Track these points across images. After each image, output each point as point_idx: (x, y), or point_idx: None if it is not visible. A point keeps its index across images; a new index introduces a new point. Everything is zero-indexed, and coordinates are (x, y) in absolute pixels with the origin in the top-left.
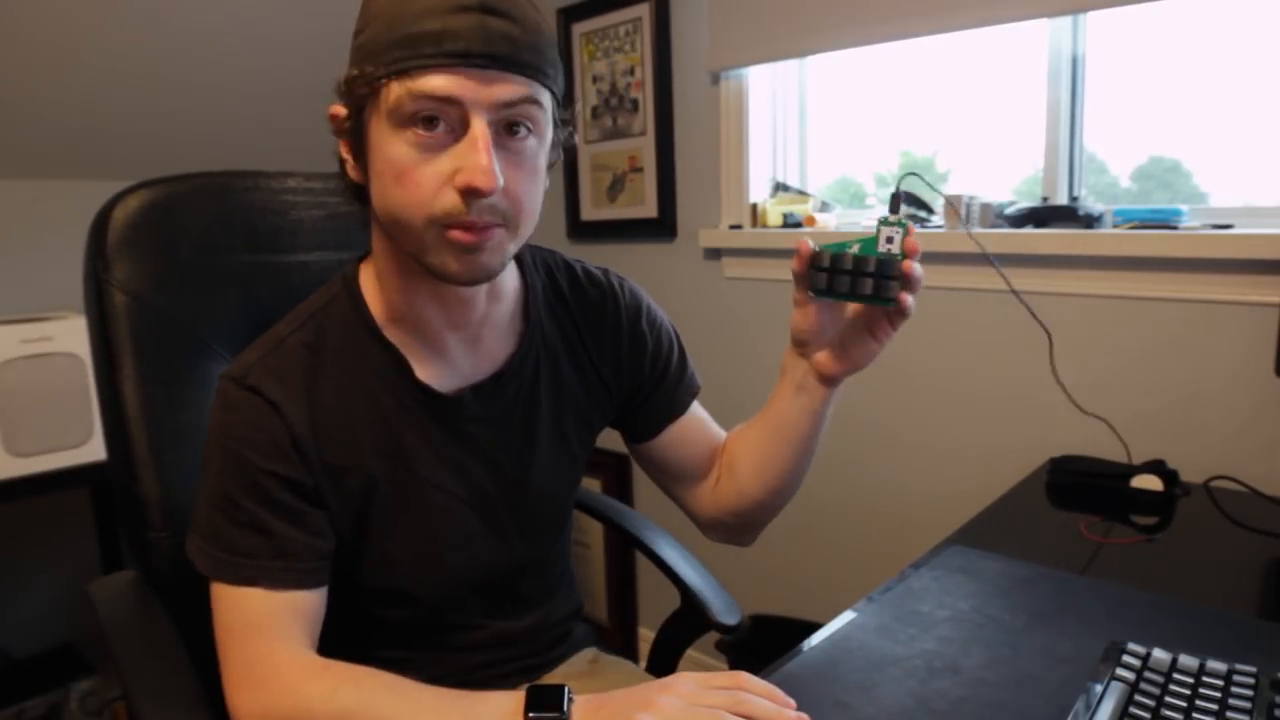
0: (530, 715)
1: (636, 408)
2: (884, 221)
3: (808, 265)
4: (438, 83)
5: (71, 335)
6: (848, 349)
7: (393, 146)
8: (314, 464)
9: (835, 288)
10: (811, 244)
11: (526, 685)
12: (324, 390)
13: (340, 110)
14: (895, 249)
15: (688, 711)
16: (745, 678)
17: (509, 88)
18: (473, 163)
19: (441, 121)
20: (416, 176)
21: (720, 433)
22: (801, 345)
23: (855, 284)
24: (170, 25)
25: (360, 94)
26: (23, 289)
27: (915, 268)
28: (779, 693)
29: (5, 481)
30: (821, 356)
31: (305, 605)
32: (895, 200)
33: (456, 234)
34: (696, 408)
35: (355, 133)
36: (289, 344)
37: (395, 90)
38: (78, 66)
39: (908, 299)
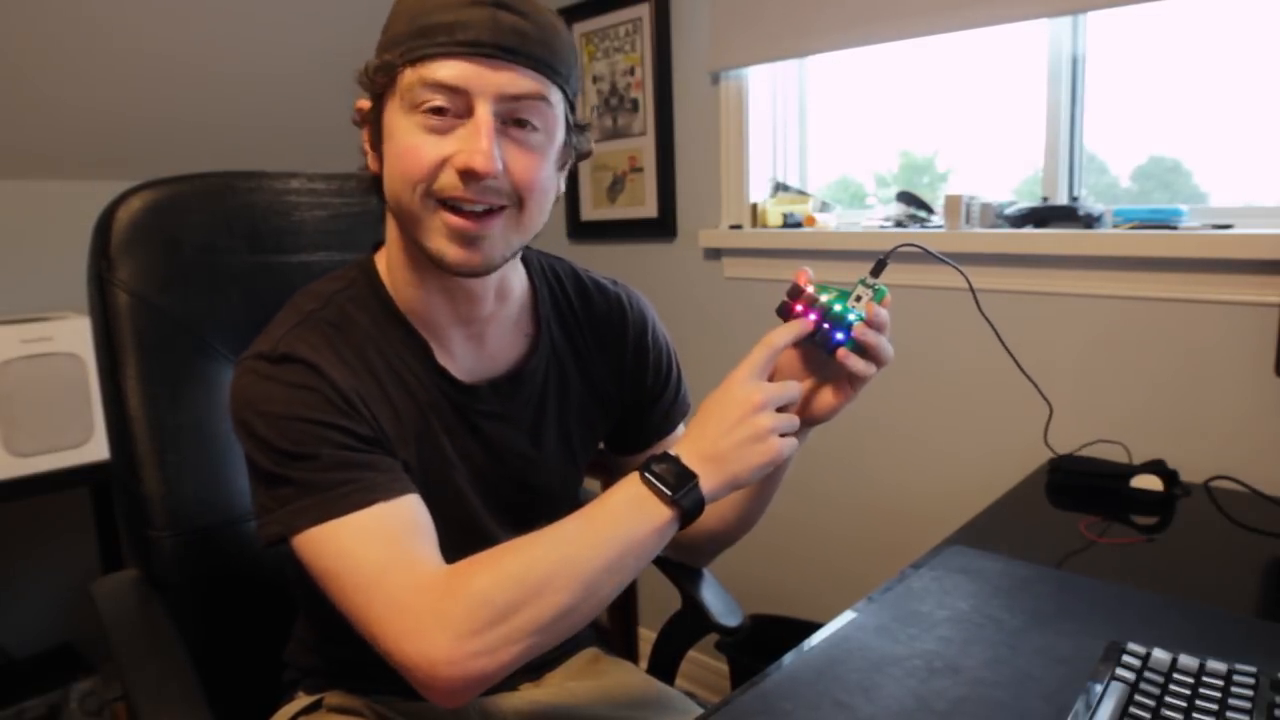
0: (661, 487)
1: (631, 420)
2: (862, 281)
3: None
4: (447, 70)
5: (71, 335)
6: (811, 400)
7: (402, 130)
8: (369, 420)
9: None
10: (809, 273)
11: (639, 470)
12: (357, 363)
13: (365, 104)
14: (859, 309)
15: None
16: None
17: (515, 79)
18: (473, 145)
19: (450, 109)
20: (418, 155)
21: None
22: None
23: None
24: (175, 26)
25: (380, 84)
26: (23, 289)
27: (867, 333)
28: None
29: (5, 481)
30: None
31: (425, 513)
32: (878, 265)
33: (455, 220)
34: (683, 429)
35: (376, 123)
36: (314, 319)
37: (409, 77)
38: (81, 67)
39: (850, 359)
